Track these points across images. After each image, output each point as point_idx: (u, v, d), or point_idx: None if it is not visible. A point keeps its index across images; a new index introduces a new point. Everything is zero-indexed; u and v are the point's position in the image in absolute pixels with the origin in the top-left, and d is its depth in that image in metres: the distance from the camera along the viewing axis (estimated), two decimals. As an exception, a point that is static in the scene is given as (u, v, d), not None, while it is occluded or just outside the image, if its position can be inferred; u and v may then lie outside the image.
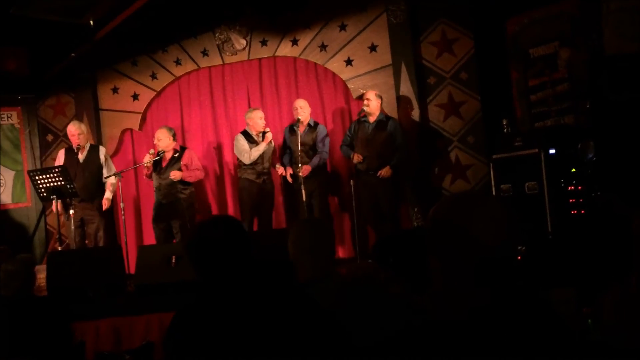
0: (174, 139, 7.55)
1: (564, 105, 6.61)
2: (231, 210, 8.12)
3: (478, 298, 1.60)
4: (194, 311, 2.19)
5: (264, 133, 7.41)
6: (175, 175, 7.31)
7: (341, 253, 7.60)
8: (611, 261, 4.49)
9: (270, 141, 7.44)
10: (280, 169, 7.48)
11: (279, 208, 7.87)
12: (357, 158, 6.98)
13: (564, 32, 6.60)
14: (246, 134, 7.49)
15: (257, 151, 7.36)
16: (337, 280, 2.70)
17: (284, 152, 7.63)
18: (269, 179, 7.52)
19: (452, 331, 1.55)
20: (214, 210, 8.23)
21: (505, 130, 6.36)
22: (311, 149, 7.29)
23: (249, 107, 7.94)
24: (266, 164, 7.45)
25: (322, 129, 7.43)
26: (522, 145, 6.05)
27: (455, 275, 1.65)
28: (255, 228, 7.46)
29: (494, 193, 6.17)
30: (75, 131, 7.49)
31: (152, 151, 7.42)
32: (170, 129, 7.58)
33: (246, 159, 7.38)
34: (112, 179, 7.47)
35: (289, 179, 7.36)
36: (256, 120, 7.44)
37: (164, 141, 7.42)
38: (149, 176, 7.58)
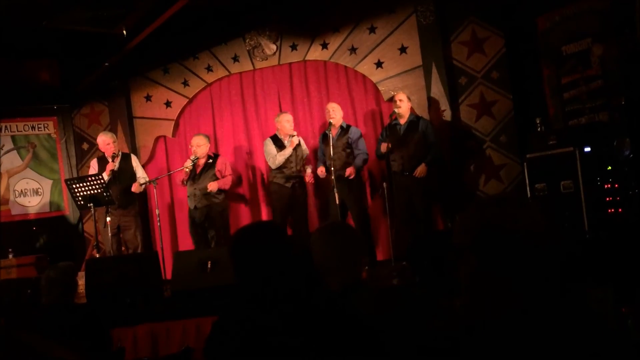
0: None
1: (598, 102, 6.52)
2: (264, 215, 8.15)
3: (515, 301, 1.59)
4: (234, 318, 2.21)
5: (292, 137, 7.43)
6: (213, 187, 7.40)
7: (377, 256, 7.57)
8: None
9: (297, 145, 7.40)
10: (308, 173, 7.43)
11: (313, 212, 7.88)
12: (384, 147, 6.89)
13: (596, 28, 6.52)
14: (275, 138, 7.52)
15: (282, 156, 7.37)
16: (369, 289, 2.65)
17: (319, 158, 7.58)
18: (300, 183, 7.49)
19: (488, 335, 1.55)
20: (247, 215, 8.27)
21: (538, 129, 6.33)
22: (344, 152, 7.24)
23: (280, 111, 7.99)
24: (297, 168, 7.44)
25: (354, 131, 7.37)
26: (557, 143, 6.00)
27: (492, 279, 1.64)
28: (288, 232, 7.44)
29: (528, 193, 6.12)
30: (110, 139, 7.65)
31: (193, 157, 7.52)
32: (206, 136, 7.71)
33: (272, 164, 7.43)
34: (143, 180, 7.65)
35: (323, 174, 7.22)
36: (283, 123, 7.47)
37: (203, 148, 7.55)
38: (185, 182, 7.63)
